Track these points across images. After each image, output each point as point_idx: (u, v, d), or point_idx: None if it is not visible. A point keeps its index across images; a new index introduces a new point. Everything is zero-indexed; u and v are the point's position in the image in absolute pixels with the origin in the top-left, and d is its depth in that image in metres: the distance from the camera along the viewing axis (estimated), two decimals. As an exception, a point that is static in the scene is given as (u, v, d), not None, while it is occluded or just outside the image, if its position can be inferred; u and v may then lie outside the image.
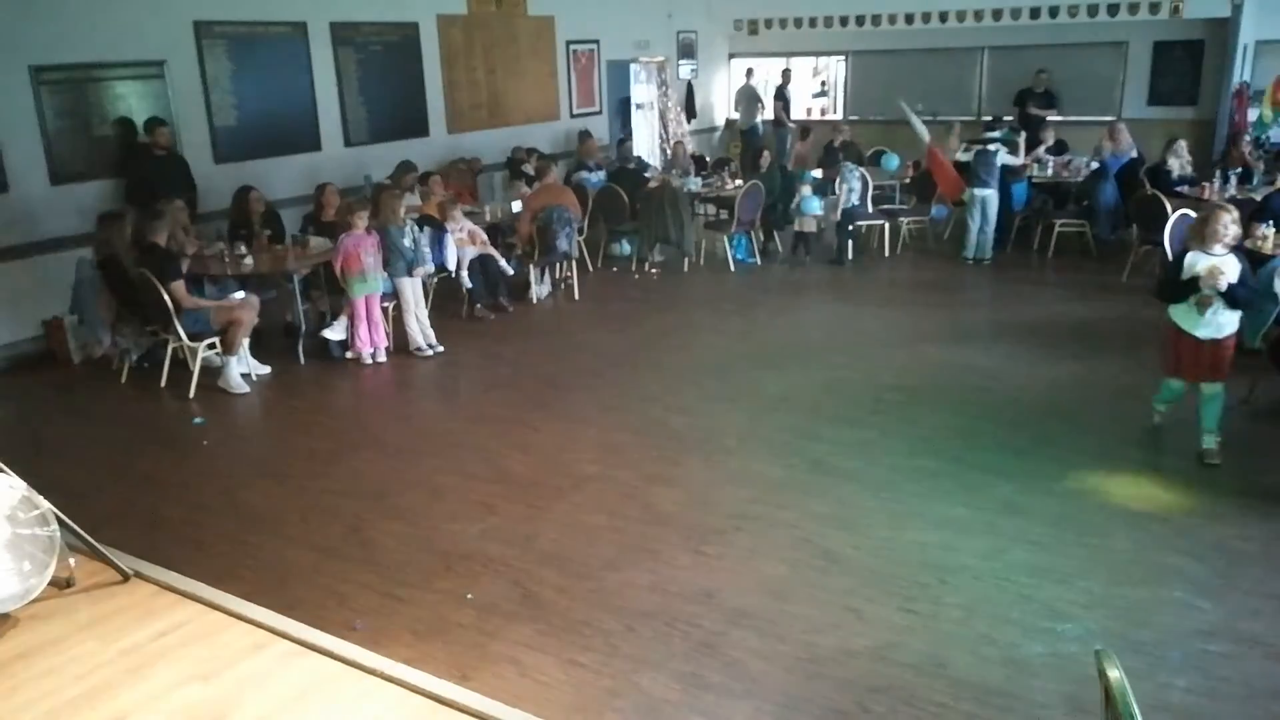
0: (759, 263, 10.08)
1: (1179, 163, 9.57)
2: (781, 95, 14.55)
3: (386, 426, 6.00)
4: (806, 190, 9.75)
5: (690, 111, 14.81)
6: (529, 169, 10.04)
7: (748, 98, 14.84)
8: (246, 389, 6.61)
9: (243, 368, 6.67)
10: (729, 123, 15.79)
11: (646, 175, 10.53)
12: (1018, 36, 13.34)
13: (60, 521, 3.52)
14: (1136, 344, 7.05)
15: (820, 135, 12.67)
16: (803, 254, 9.98)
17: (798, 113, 15.78)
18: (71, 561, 3.63)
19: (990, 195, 9.39)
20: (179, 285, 6.40)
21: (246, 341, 6.72)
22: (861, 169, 10.37)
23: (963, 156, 10.00)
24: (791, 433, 5.66)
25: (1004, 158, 9.55)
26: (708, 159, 12.71)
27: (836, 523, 4.55)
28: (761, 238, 10.44)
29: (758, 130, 14.60)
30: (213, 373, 6.65)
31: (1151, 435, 5.55)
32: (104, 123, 7.57)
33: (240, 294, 6.92)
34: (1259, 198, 7.81)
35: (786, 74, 14.73)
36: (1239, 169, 9.15)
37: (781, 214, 10.74)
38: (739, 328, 7.90)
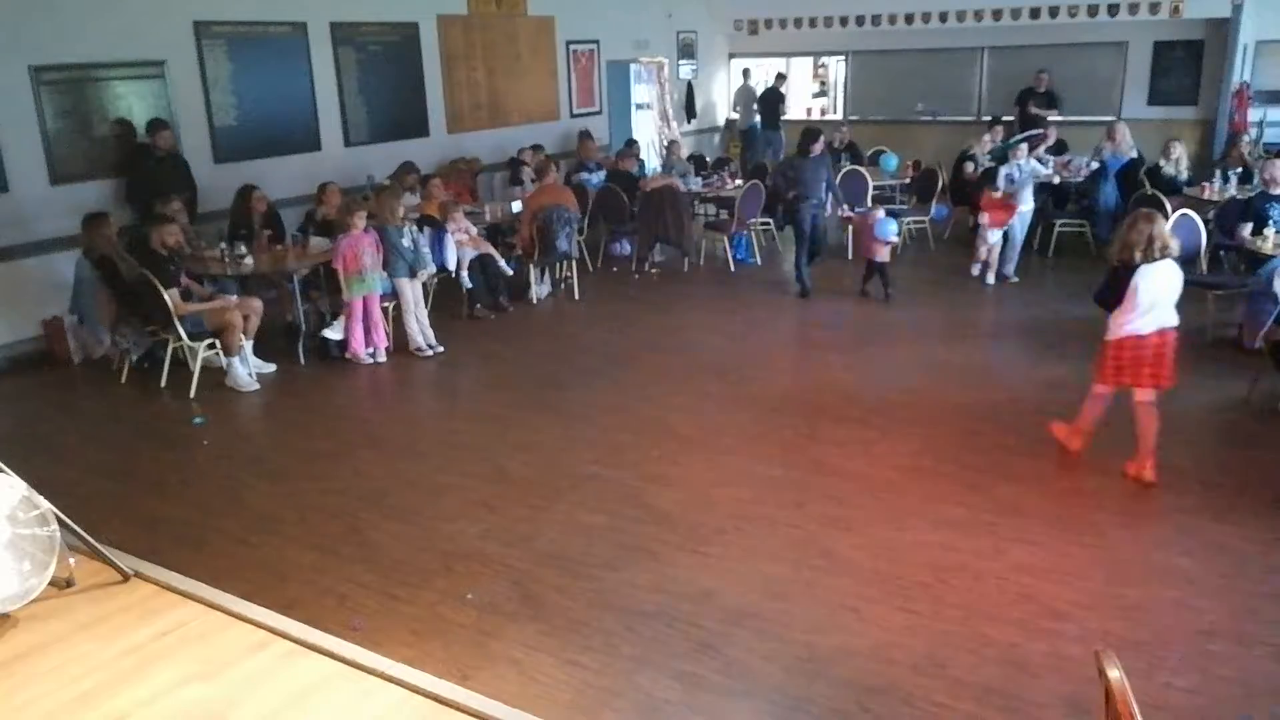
0: (759, 263, 10.08)
1: (1171, 164, 9.58)
2: (771, 97, 14.34)
3: (386, 426, 6.00)
4: (880, 213, 8.39)
5: (690, 111, 14.81)
6: (528, 173, 10.07)
7: (746, 98, 14.84)
8: (256, 386, 6.62)
9: (247, 366, 6.67)
10: (729, 123, 15.79)
11: (639, 177, 10.50)
12: (1018, 36, 13.34)
13: (60, 521, 3.51)
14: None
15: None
16: (880, 287, 8.40)
17: (798, 113, 15.79)
18: (71, 561, 3.62)
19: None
20: (175, 293, 6.41)
21: (249, 340, 6.73)
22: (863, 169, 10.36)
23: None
24: (791, 433, 5.67)
25: (1035, 168, 8.91)
26: (708, 159, 12.70)
27: (836, 523, 4.55)
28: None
29: (757, 130, 14.60)
30: (214, 372, 6.66)
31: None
32: (104, 123, 7.57)
33: (233, 297, 6.92)
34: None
35: (781, 77, 14.64)
36: (1239, 169, 9.16)
37: (783, 214, 10.76)
38: (739, 328, 7.89)
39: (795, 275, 8.68)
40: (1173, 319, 4.85)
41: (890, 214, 9.56)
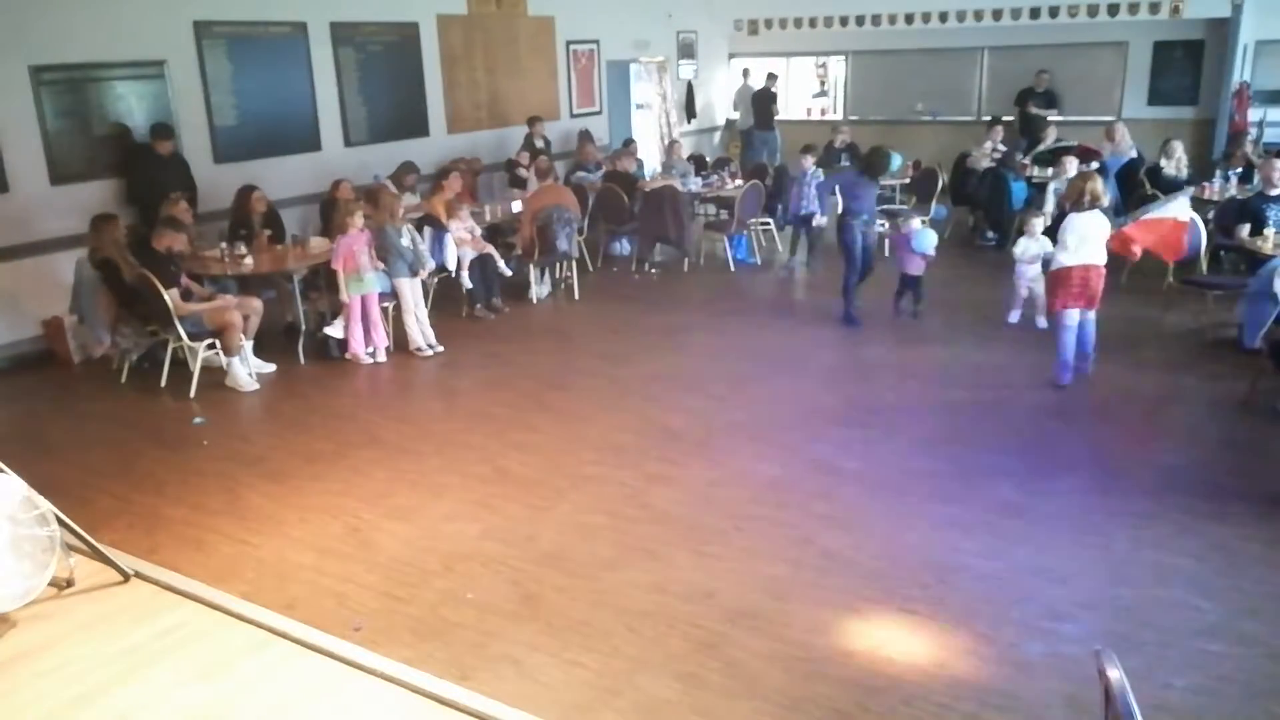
0: (759, 262, 10.08)
1: (1172, 163, 9.59)
2: (763, 98, 14.20)
3: (386, 426, 6.00)
4: (916, 223, 7.89)
5: (690, 111, 14.81)
6: (523, 173, 10.07)
7: (746, 98, 14.84)
8: (255, 386, 6.63)
9: (247, 366, 6.67)
10: (729, 123, 15.79)
11: (638, 177, 10.50)
12: (1018, 36, 13.35)
13: (60, 521, 3.51)
14: (1134, 344, 7.06)
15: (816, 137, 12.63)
16: (910, 304, 7.93)
17: (799, 113, 15.79)
18: (71, 561, 3.63)
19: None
20: (175, 293, 6.42)
21: (249, 340, 6.74)
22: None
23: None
24: (791, 433, 5.66)
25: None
26: (708, 159, 12.71)
27: (836, 523, 4.55)
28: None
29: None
30: (214, 372, 6.66)
31: (1149, 434, 5.55)
32: (104, 123, 7.57)
33: (231, 296, 6.92)
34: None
35: (772, 77, 14.56)
36: (1239, 169, 9.16)
37: (783, 214, 10.78)
38: (739, 328, 7.89)
39: (844, 307, 7.80)
40: (1100, 258, 6.04)
41: (890, 213, 9.26)
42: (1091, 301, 6.09)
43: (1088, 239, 5.96)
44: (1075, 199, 6.04)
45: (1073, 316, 6.08)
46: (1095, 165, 9.38)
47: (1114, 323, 7.37)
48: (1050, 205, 8.10)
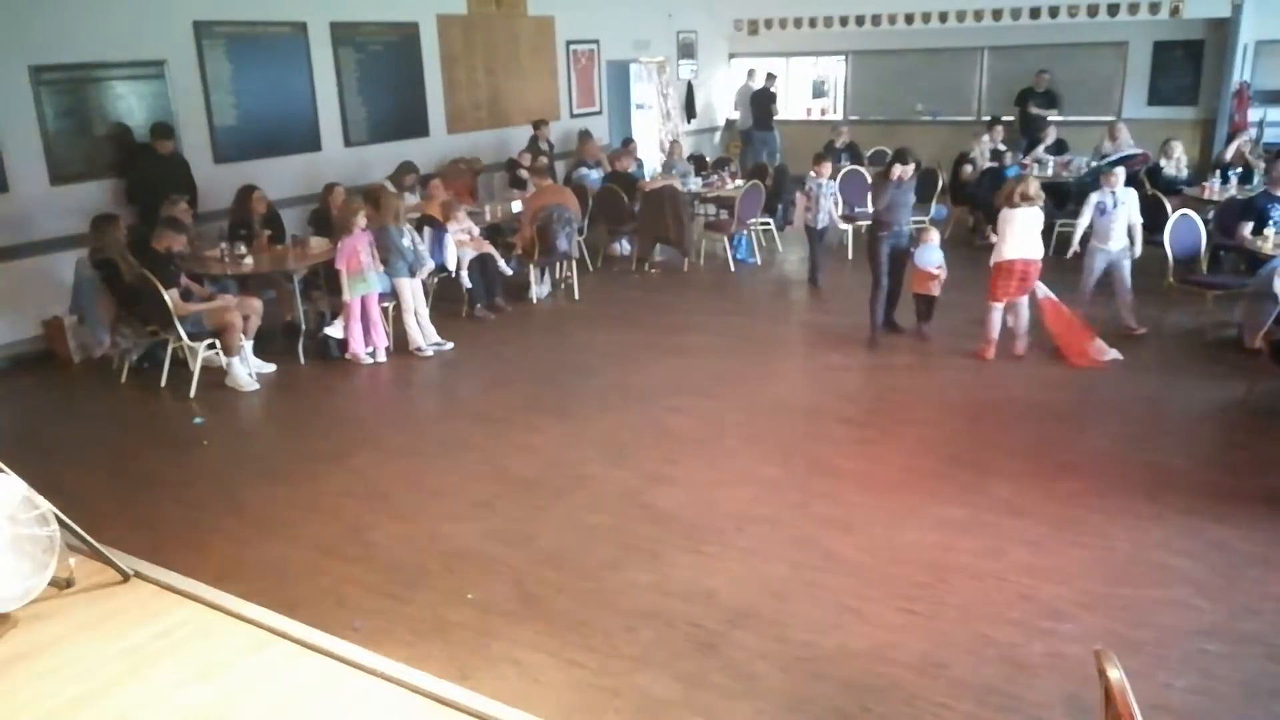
0: (759, 262, 10.08)
1: (1172, 163, 9.60)
2: (762, 98, 14.06)
3: (386, 426, 6.00)
4: (934, 238, 7.30)
5: (690, 111, 14.81)
6: (524, 174, 10.08)
7: (745, 98, 14.83)
8: (256, 386, 6.63)
9: (247, 366, 6.67)
10: (729, 123, 15.79)
11: (637, 177, 10.50)
12: (1018, 36, 13.35)
13: (60, 521, 3.51)
14: (1134, 344, 7.05)
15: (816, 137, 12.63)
16: (924, 324, 7.40)
17: (798, 113, 15.78)
18: (71, 561, 3.62)
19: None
20: (175, 293, 6.42)
21: (249, 340, 6.74)
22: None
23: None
24: (791, 433, 5.67)
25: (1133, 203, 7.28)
26: (708, 159, 12.70)
27: (836, 523, 4.55)
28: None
29: (757, 130, 14.58)
30: (214, 372, 6.66)
31: (1149, 435, 5.55)
32: (104, 123, 7.57)
33: (230, 296, 6.92)
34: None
35: (771, 77, 14.49)
36: (1239, 169, 9.16)
37: (783, 214, 10.78)
38: (739, 328, 7.89)
39: (871, 323, 7.31)
40: (1036, 251, 6.71)
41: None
42: (1024, 291, 6.76)
43: (1022, 233, 6.63)
44: (1007, 197, 6.72)
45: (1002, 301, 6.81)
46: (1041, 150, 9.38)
47: (1112, 322, 7.38)
48: (1086, 218, 7.32)
